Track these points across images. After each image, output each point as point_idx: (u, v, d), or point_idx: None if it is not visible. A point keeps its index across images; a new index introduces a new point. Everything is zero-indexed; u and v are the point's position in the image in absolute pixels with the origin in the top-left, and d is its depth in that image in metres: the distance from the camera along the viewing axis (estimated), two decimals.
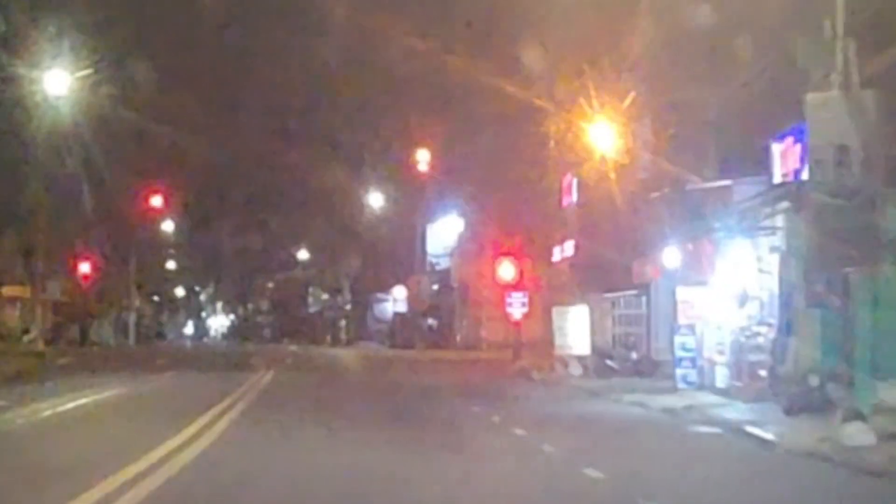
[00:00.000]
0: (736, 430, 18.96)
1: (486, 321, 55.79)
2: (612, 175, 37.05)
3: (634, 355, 33.43)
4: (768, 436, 17.75)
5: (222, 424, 18.29)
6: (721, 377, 25.00)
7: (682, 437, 18.83)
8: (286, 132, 62.60)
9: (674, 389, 26.50)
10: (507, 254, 41.63)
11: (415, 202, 65.84)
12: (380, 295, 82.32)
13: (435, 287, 69.70)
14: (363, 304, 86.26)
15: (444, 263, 68.55)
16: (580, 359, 34.48)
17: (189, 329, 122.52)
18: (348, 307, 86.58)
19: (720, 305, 25.25)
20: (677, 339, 26.71)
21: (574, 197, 40.75)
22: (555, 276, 43.48)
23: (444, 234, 71.44)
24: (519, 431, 18.29)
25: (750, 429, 18.64)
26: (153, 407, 22.59)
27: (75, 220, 58.44)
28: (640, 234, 35.06)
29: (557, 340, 34.84)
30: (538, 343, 44.02)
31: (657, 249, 32.49)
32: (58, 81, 36.44)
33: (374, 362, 47.00)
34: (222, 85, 57.86)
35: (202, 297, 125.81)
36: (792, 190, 22.79)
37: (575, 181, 40.75)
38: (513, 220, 48.62)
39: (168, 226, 71.58)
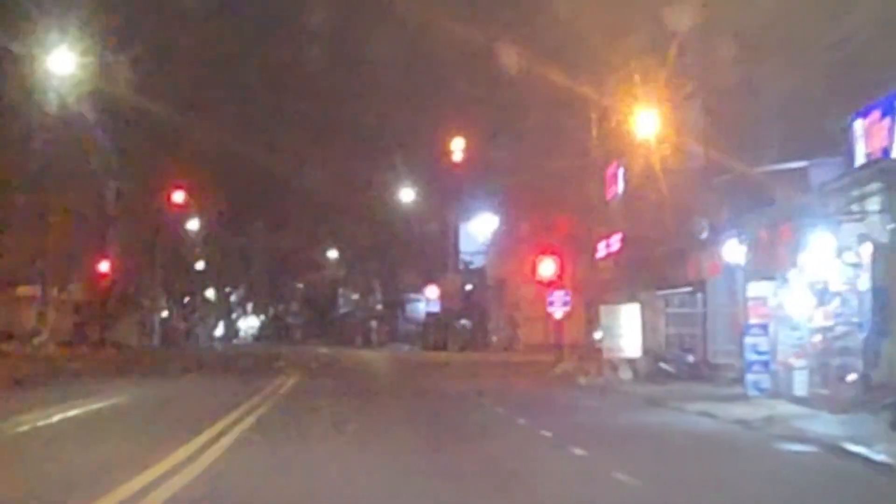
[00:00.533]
0: (833, 448, 15.70)
1: (523, 321, 52.55)
2: (661, 164, 34.04)
3: (691, 358, 30.19)
4: (879, 456, 14.50)
5: (226, 441, 15.20)
6: (800, 384, 21.70)
7: (773, 458, 15.58)
8: (318, 127, 59.51)
9: (744, 397, 23.29)
10: (547, 251, 38.41)
11: (448, 199, 62.81)
12: (411, 295, 79.35)
13: (468, 287, 66.59)
14: (394, 304, 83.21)
15: (477, 262, 65.40)
16: (630, 362, 31.28)
17: (220, 330, 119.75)
18: (379, 308, 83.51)
19: (798, 302, 21.95)
20: (748, 341, 23.46)
21: (620, 188, 37.52)
22: (598, 273, 40.22)
23: (477, 231, 68.38)
24: (578, 451, 15.09)
25: (852, 447, 15.37)
26: (148, 420, 19.41)
27: (97, 219, 55.76)
28: (695, 225, 31.89)
29: (606, 342, 31.61)
30: (580, 345, 40.90)
31: (716, 242, 29.29)
32: (70, 67, 33.60)
33: (405, 365, 43.85)
34: (245, 76, 54.97)
35: (233, 299, 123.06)
36: (887, 168, 19.56)
37: (621, 171, 37.54)
38: (553, 214, 45.49)
39: (194, 224, 68.75)
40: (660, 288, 32.86)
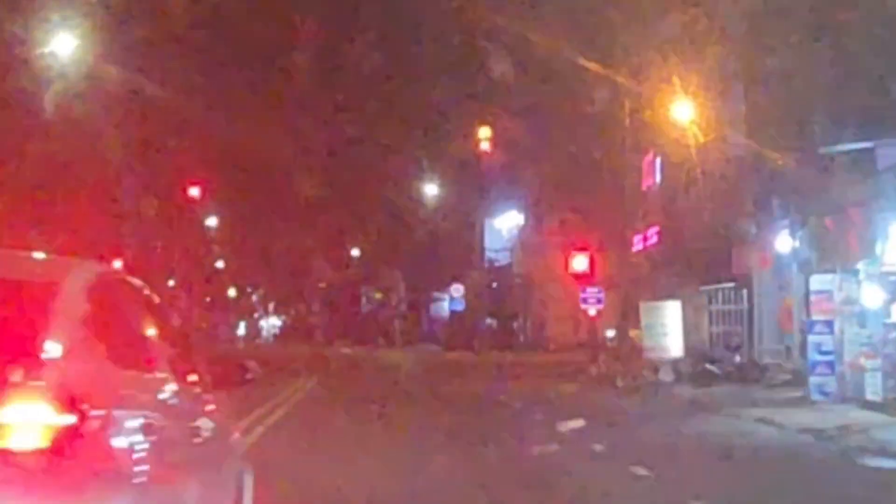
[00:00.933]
0: None
1: (553, 320, 50.27)
2: (701, 153, 31.81)
3: (738, 358, 27.92)
4: None
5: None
6: (872, 387, 19.41)
7: (862, 477, 13.36)
8: (339, 118, 57.23)
9: (805, 402, 21.05)
10: (580, 246, 36.12)
11: (473, 194, 60.53)
12: (436, 293, 77.16)
13: (494, 284, 64.34)
14: (418, 303, 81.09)
15: (503, 259, 63.15)
16: (672, 362, 29.02)
17: (241, 330, 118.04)
18: (403, 307, 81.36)
19: (870, 296, 19.67)
20: (811, 339, 21.20)
21: (657, 178, 35.26)
22: (632, 268, 37.95)
23: (502, 228, 66.16)
24: (640, 471, 12.88)
25: None
26: None
27: (111, 215, 53.73)
28: (740, 216, 29.67)
29: (647, 341, 29.34)
30: (614, 344, 38.71)
31: (766, 233, 27.06)
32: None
33: (431, 367, 41.44)
34: (261, 66, 52.67)
35: (254, 298, 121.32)
36: None
37: (658, 160, 35.28)
38: (583, 208, 43.21)
39: (212, 221, 66.73)
40: (702, 283, 30.60)
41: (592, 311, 36.31)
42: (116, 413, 4.58)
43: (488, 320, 63.38)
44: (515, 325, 61.59)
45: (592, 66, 34.98)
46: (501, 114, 39.59)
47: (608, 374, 32.41)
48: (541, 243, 52.05)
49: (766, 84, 30.19)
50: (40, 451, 4.15)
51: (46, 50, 32.99)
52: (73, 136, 42.65)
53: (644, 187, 36.40)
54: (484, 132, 37.38)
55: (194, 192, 48.21)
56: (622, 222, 37.91)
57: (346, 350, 64.16)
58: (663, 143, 35.06)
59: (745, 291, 29.50)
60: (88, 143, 45.82)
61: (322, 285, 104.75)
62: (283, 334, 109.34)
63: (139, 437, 4.71)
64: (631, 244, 36.83)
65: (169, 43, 43.68)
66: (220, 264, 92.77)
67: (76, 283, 4.93)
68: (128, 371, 4.98)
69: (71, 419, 4.23)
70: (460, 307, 60.75)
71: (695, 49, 31.68)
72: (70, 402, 4.25)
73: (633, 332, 36.95)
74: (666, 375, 28.80)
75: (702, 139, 31.83)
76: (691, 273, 31.27)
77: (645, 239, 36.15)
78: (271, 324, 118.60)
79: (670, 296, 30.65)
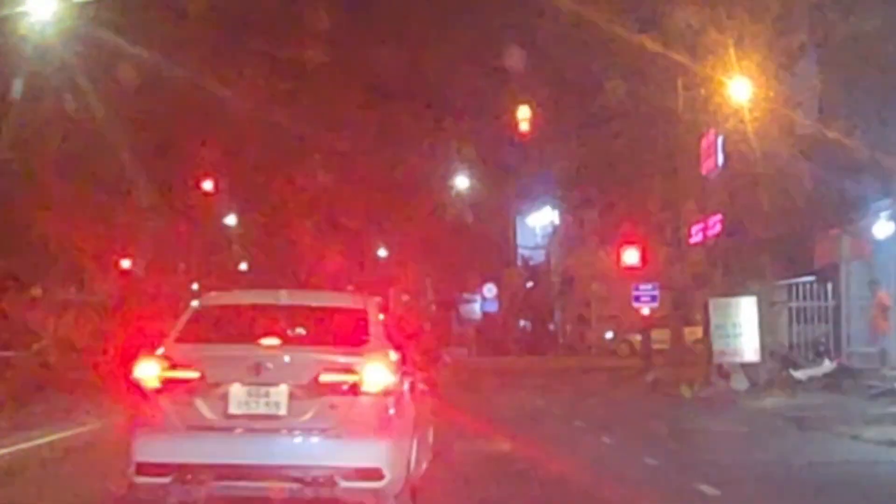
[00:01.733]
0: None
1: (595, 321, 45.99)
2: (768, 131, 27.66)
3: (828, 363, 23.63)
4: None
5: None
6: None
7: None
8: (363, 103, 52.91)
9: None
10: (631, 239, 31.88)
11: (506, 188, 56.40)
12: (466, 295, 72.96)
13: (529, 284, 60.25)
14: (448, 305, 76.86)
15: (537, 257, 58.97)
16: (746, 368, 24.77)
17: None
18: (432, 309, 77.16)
19: None
20: None
21: (720, 160, 30.94)
22: (687, 262, 33.74)
23: (535, 226, 62.09)
24: None
25: None
26: (104, 462, 12.71)
27: (122, 211, 49.94)
28: (821, 200, 25.40)
29: (717, 344, 25.06)
30: (667, 345, 34.56)
31: (859, 217, 22.79)
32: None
33: (464, 374, 37.02)
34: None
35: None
36: None
37: (720, 140, 30.97)
38: (630, 198, 39.05)
39: (231, 220, 62.77)
40: (778, 277, 26.33)
41: (646, 310, 32.18)
42: (405, 377, 8.91)
43: (522, 322, 59.25)
44: (552, 326, 57.38)
45: (639, 38, 30.99)
46: (541, 92, 35.27)
47: (666, 381, 28.24)
48: (580, 239, 47.92)
49: (843, 52, 26.16)
50: (380, 393, 8.33)
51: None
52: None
53: (704, 171, 32.08)
54: (523, 112, 33.08)
55: (207, 185, 44.27)
56: (676, 212, 33.72)
57: None
58: (724, 123, 30.94)
59: (829, 286, 25.26)
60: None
61: (349, 288, 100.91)
62: None
63: (410, 395, 9.06)
64: (688, 235, 32.57)
65: (184, 34, 40.46)
66: (243, 266, 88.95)
67: (373, 308, 9.22)
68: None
69: (392, 378, 8.49)
70: (493, 308, 56.49)
71: (758, 18, 27.74)
72: (390, 368, 8.49)
73: (688, 332, 32.87)
74: (739, 383, 24.57)
75: (767, 117, 27.79)
76: (764, 266, 26.99)
77: (706, 229, 31.83)
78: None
79: (744, 291, 26.35)
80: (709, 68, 29.74)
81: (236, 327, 8.95)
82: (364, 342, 8.68)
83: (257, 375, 8.25)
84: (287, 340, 8.96)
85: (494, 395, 26.23)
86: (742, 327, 24.54)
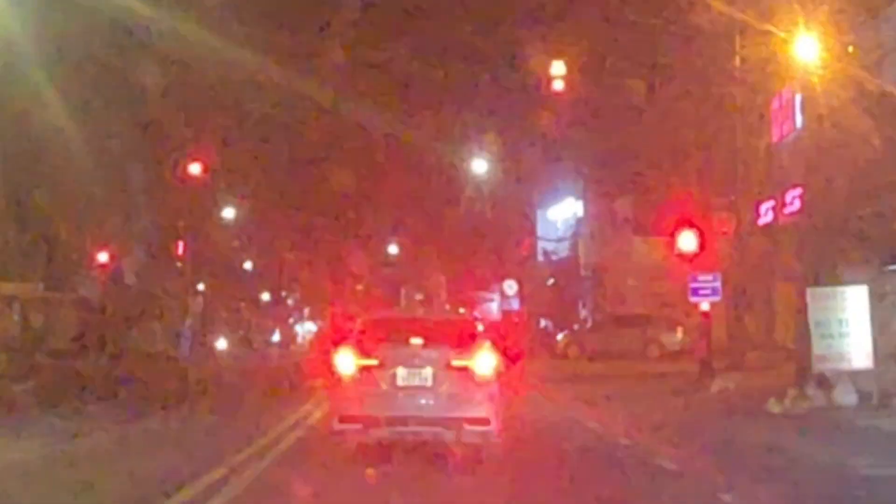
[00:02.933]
0: None
1: (633, 320, 40.05)
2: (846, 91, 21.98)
3: None
4: None
5: None
6: None
7: None
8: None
9: None
10: (685, 220, 25.99)
11: (527, 176, 50.72)
12: (482, 293, 67.09)
13: (551, 281, 54.38)
14: (463, 305, 70.93)
15: (561, 251, 53.11)
16: (855, 377, 18.95)
17: (276, 336, 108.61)
18: (446, 309, 71.24)
19: None
20: None
21: (798, 122, 25.14)
22: (750, 247, 27.99)
23: (557, 219, 56.23)
24: None
25: None
26: None
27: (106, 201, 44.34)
28: None
29: (818, 347, 19.19)
30: (723, 347, 28.78)
31: None
32: None
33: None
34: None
35: (289, 302, 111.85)
36: None
37: (799, 99, 25.18)
38: (673, 179, 33.28)
39: (229, 213, 57.11)
40: (884, 262, 20.45)
41: (705, 306, 26.29)
42: (498, 363, 13.23)
43: (542, 322, 53.37)
44: (577, 326, 51.32)
45: None
46: (578, 55, 29.39)
47: (739, 392, 22.46)
48: (612, 229, 42.13)
49: None
50: (484, 373, 12.97)
51: None
52: None
53: (776, 138, 26.30)
54: (557, 68, 27.24)
55: (195, 168, 38.66)
56: (738, 188, 27.91)
57: None
58: (795, 83, 25.20)
59: None
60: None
61: (359, 287, 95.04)
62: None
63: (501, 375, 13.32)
64: (756, 215, 26.80)
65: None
66: (248, 265, 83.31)
67: (476, 321, 15.85)
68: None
69: (495, 362, 13.11)
70: (515, 307, 50.56)
71: None
72: (489, 359, 13.03)
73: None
74: (846, 396, 18.78)
75: (846, 74, 22.12)
76: (861, 249, 21.17)
77: (781, 206, 26.05)
78: (307, 329, 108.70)
79: (832, 280, 20.52)
80: (774, 20, 24.14)
81: (401, 331, 13.85)
82: (473, 342, 13.61)
83: (414, 362, 13.23)
84: (428, 340, 13.57)
85: (530, 411, 20.43)
86: (850, 325, 18.71)
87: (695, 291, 26.06)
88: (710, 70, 27.64)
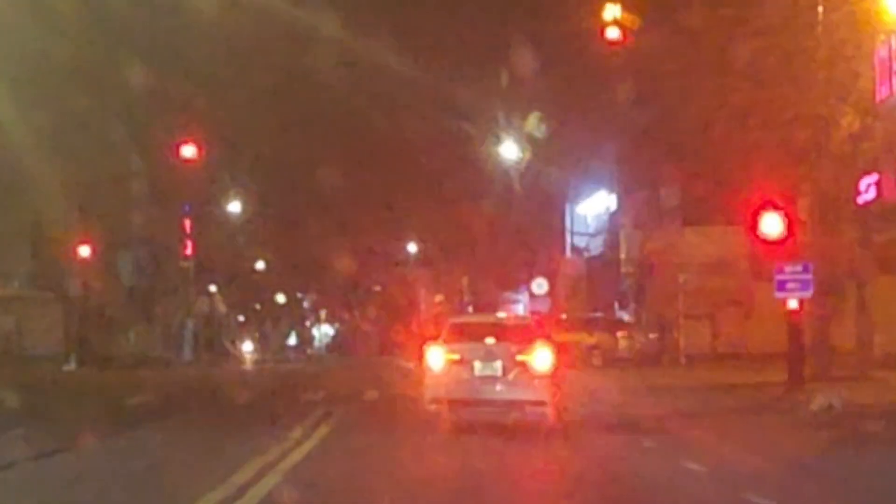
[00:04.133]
0: None
1: (683, 321, 34.71)
2: None
3: None
4: None
5: None
6: None
7: None
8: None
9: None
10: (767, 201, 20.76)
11: (559, 163, 45.57)
12: (507, 294, 62.01)
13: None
14: (486, 305, 65.72)
15: (594, 247, 47.90)
16: None
17: (292, 340, 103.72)
18: (469, 311, 66.06)
19: None
20: None
21: None
22: (843, 232, 22.74)
23: (587, 214, 51.05)
24: None
25: None
26: None
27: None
28: None
29: None
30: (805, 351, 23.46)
31: None
32: None
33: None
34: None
35: (305, 305, 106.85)
36: None
37: None
38: (730, 162, 28.02)
39: (234, 206, 52.16)
40: None
41: (793, 303, 21.08)
42: (553, 358, 15.93)
43: None
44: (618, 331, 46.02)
45: None
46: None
47: (850, 412, 17.24)
48: (659, 220, 36.93)
49: None
50: (542, 366, 15.64)
51: None
52: None
53: (880, 97, 21.05)
54: (611, 11, 22.00)
55: (188, 151, 33.70)
56: (821, 163, 22.62)
57: (408, 364, 49.00)
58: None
59: None
60: None
61: (377, 288, 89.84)
62: (336, 344, 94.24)
63: (555, 368, 16.03)
64: (855, 192, 21.56)
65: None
66: (260, 265, 78.27)
67: (538, 322, 18.93)
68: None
69: (551, 357, 15.81)
70: (544, 307, 45.25)
71: None
72: (553, 351, 15.95)
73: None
74: None
75: None
76: None
77: (883, 182, 20.81)
78: (324, 332, 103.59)
79: None
80: None
81: (476, 331, 16.72)
82: (533, 341, 16.13)
83: (487, 356, 15.84)
84: (499, 339, 16.22)
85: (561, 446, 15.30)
86: None
87: (781, 286, 20.90)
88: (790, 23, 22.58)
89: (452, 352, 15.97)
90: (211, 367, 43.79)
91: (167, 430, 16.59)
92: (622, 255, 38.97)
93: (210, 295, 57.70)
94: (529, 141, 41.27)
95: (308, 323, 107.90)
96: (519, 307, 60.57)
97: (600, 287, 43.74)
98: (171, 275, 53.40)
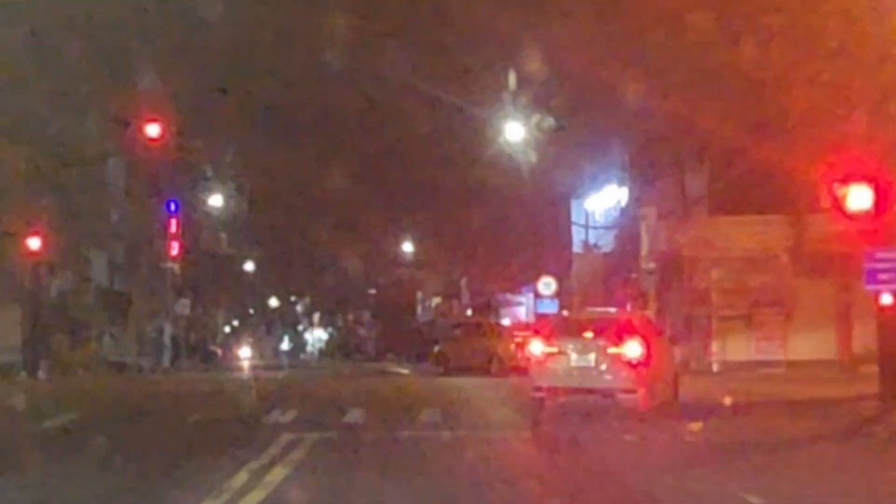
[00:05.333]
0: None
1: (719, 323, 29.84)
2: None
3: None
4: None
5: None
6: None
7: None
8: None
9: None
10: (854, 173, 16.08)
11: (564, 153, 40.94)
12: (509, 296, 57.30)
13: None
14: (486, 309, 61.12)
15: (605, 243, 43.15)
16: None
17: (285, 344, 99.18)
18: (468, 314, 61.39)
19: None
20: None
21: None
22: None
23: (595, 210, 46.28)
24: None
25: None
26: None
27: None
28: None
29: None
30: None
31: None
32: None
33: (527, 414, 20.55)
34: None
35: (299, 308, 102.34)
36: None
37: None
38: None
39: (216, 200, 47.51)
40: None
41: (887, 298, 16.41)
42: (645, 351, 17.08)
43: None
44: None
45: None
46: None
47: None
48: (682, 211, 32.21)
49: None
50: (633, 357, 16.89)
51: None
52: None
53: None
54: None
55: (153, 130, 29.01)
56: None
57: (402, 370, 44.33)
58: None
59: None
60: None
61: (372, 291, 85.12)
62: (330, 349, 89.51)
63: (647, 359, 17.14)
64: None
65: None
66: (249, 266, 73.62)
67: (631, 317, 19.69)
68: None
69: (643, 348, 16.97)
70: (553, 310, 40.48)
71: None
72: (636, 347, 16.95)
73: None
74: None
75: None
76: None
77: None
78: (317, 337, 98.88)
79: None
80: None
81: (574, 327, 18.20)
82: (624, 336, 17.15)
83: (582, 349, 17.19)
84: (594, 333, 17.38)
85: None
86: None
87: (871, 276, 16.25)
88: None
89: (551, 345, 17.62)
90: (187, 375, 39.09)
91: (60, 468, 11.83)
92: (643, 251, 34.14)
93: (192, 297, 52.97)
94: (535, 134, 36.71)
95: (301, 327, 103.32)
96: (521, 310, 55.95)
97: (615, 287, 38.95)
98: (150, 275, 48.89)
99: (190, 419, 16.92)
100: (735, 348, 29.30)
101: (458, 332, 40.75)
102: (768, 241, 28.93)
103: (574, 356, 17.19)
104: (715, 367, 28.59)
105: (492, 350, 35.10)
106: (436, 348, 38.13)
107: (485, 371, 33.46)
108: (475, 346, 35.61)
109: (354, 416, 17.07)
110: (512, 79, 33.36)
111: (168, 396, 23.84)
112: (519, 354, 30.29)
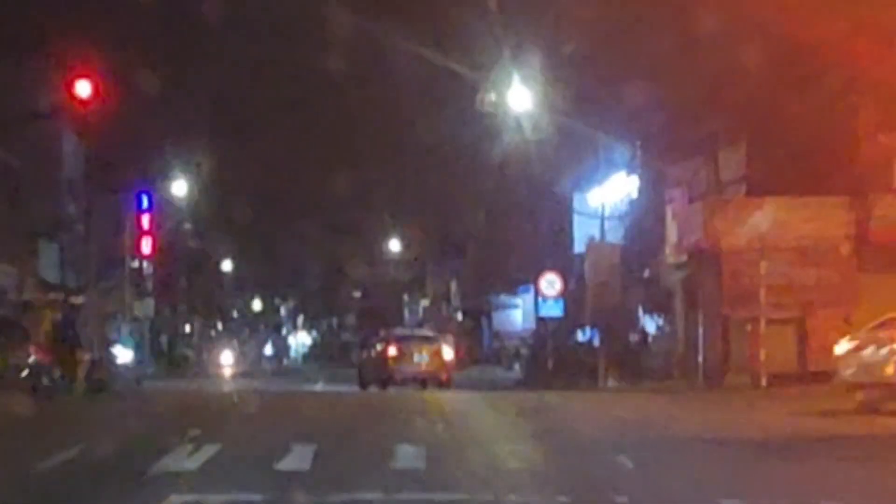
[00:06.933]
0: None
1: (765, 327, 24.14)
2: None
3: None
4: None
5: None
6: None
7: None
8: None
9: None
10: None
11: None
12: (504, 298, 51.99)
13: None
14: (478, 312, 55.80)
15: (615, 238, 37.52)
16: None
17: (269, 349, 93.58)
18: (459, 317, 55.85)
19: None
20: None
21: None
22: None
23: (599, 203, 40.70)
24: None
25: None
26: None
27: None
28: None
29: None
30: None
31: None
32: None
33: (524, 433, 14.48)
34: None
35: (282, 311, 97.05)
36: None
37: None
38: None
39: (180, 188, 41.94)
40: None
41: None
42: None
43: (580, 335, 37.83)
44: (633, 337, 35.77)
45: None
46: None
47: None
48: (715, 196, 26.64)
49: None
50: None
51: None
52: None
53: None
54: None
55: (84, 89, 23.43)
56: None
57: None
58: None
59: None
60: None
61: (357, 294, 79.64)
62: (314, 354, 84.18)
63: None
64: None
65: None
66: (227, 266, 68.05)
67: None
68: None
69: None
70: (557, 313, 34.77)
71: None
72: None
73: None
74: None
75: None
76: None
77: None
78: (300, 341, 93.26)
79: None
80: None
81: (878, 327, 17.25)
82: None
83: (879, 344, 17.11)
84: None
85: None
86: None
87: None
88: None
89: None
90: (137, 385, 33.40)
91: None
92: (669, 242, 28.36)
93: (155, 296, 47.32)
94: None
95: (284, 331, 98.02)
96: (516, 313, 50.62)
97: (628, 286, 33.35)
98: (108, 272, 43.34)
99: (44, 465, 10.92)
100: (783, 357, 23.65)
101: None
102: (825, 228, 23.48)
103: (870, 349, 17.21)
104: (764, 381, 22.88)
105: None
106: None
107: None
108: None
109: (297, 457, 11.10)
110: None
111: (49, 424, 17.06)
112: None
